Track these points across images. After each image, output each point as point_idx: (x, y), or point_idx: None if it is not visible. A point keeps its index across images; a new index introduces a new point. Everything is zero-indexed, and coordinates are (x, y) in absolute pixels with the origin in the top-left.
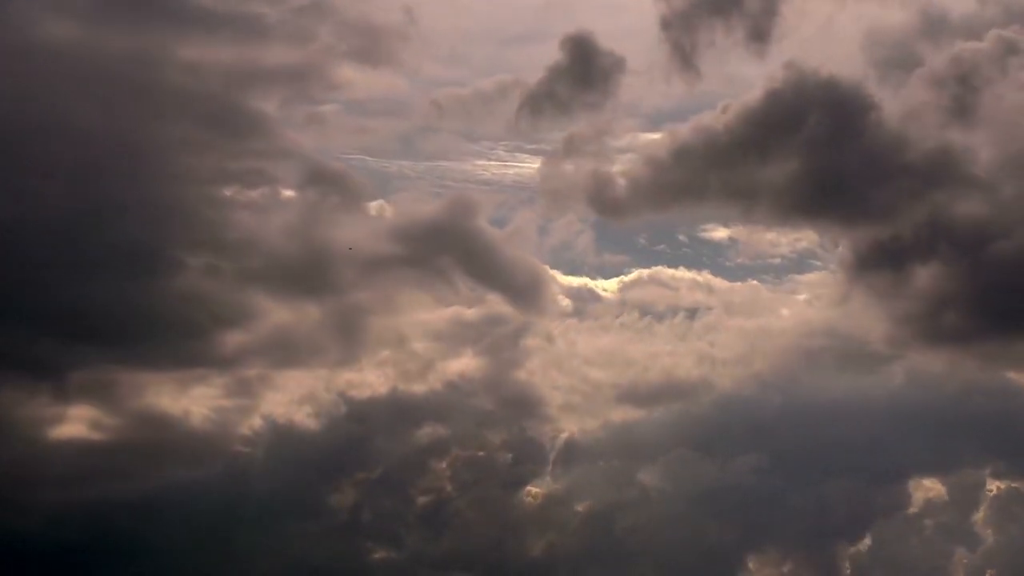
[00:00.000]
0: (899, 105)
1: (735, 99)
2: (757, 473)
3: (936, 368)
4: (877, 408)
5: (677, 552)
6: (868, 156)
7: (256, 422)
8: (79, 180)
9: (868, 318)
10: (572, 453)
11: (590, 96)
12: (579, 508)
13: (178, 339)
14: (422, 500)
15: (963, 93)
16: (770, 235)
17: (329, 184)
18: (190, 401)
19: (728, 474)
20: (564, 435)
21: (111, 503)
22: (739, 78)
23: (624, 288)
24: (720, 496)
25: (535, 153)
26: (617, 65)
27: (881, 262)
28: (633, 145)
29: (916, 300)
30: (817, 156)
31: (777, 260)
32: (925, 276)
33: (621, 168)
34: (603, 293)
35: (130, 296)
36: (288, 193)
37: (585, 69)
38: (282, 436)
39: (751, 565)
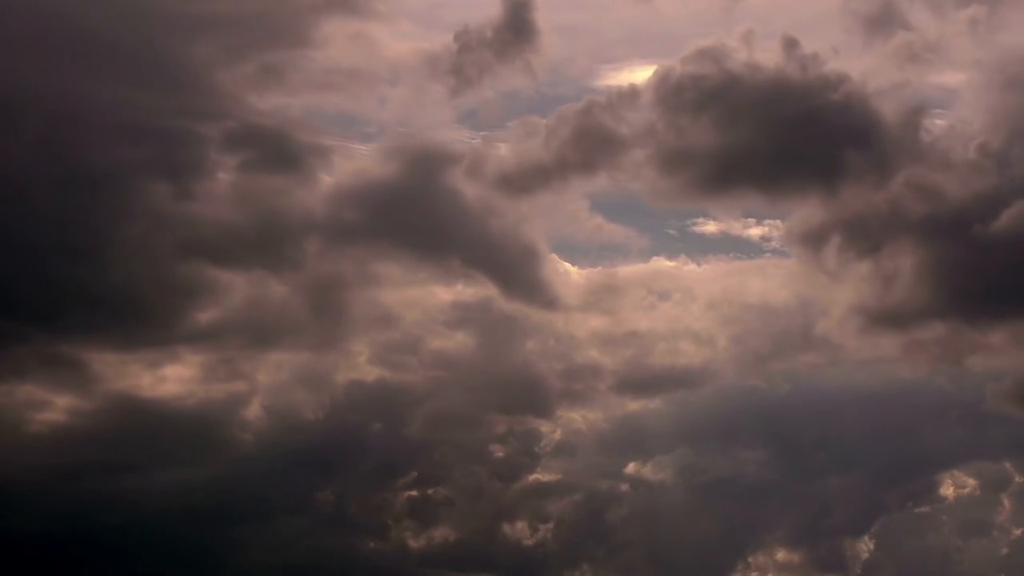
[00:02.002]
0: (868, 75)
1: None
2: (760, 465)
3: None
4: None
5: (675, 545)
6: (828, 131)
7: (233, 409)
8: None
9: (874, 301)
10: (570, 443)
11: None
12: (575, 499)
13: (130, 319)
14: (413, 491)
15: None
16: (761, 229)
17: (284, 148)
18: (157, 385)
19: (730, 465)
20: (562, 424)
21: (87, 492)
22: None
23: (623, 274)
24: (722, 488)
25: None
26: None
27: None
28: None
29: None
30: (755, 131)
31: (768, 255)
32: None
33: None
34: (600, 278)
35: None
36: (236, 157)
37: (508, 33)
38: (263, 424)
39: (751, 560)
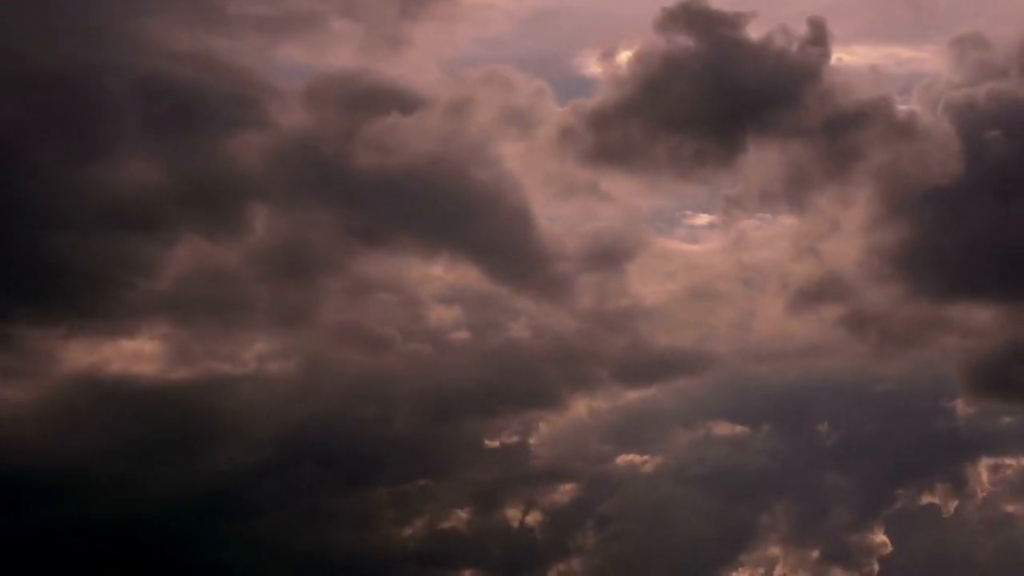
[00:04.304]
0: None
1: None
2: (762, 454)
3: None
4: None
5: (672, 537)
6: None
7: (198, 396)
8: None
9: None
10: (563, 431)
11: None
12: (568, 490)
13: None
14: (398, 483)
15: None
16: (752, 221)
17: (215, 99)
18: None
19: (731, 454)
20: (555, 412)
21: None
22: None
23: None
24: (722, 478)
25: None
26: None
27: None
28: None
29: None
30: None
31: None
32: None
33: None
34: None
35: None
36: (155, 109)
37: None
38: (236, 412)
39: (753, 554)
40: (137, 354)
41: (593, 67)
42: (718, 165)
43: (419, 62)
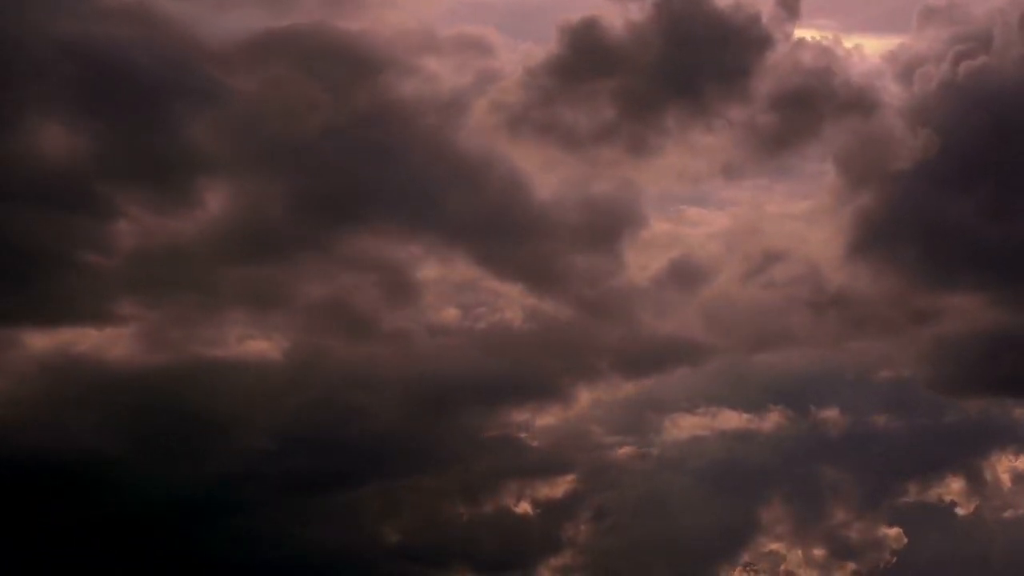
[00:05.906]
0: None
1: None
2: (765, 447)
3: None
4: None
5: (671, 533)
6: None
7: (175, 387)
8: None
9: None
10: (558, 424)
11: None
12: (562, 482)
13: None
14: (388, 480)
15: None
16: (727, 198)
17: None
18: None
19: (732, 446)
20: (551, 404)
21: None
22: None
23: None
24: (723, 471)
25: None
26: None
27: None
28: None
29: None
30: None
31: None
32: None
33: None
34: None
35: None
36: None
37: None
38: (218, 405)
39: (754, 550)
40: (100, 338)
41: None
42: (680, 139)
43: (393, 21)
